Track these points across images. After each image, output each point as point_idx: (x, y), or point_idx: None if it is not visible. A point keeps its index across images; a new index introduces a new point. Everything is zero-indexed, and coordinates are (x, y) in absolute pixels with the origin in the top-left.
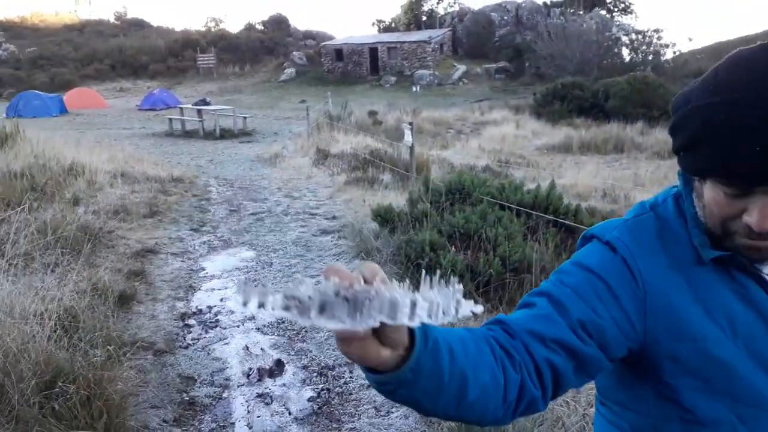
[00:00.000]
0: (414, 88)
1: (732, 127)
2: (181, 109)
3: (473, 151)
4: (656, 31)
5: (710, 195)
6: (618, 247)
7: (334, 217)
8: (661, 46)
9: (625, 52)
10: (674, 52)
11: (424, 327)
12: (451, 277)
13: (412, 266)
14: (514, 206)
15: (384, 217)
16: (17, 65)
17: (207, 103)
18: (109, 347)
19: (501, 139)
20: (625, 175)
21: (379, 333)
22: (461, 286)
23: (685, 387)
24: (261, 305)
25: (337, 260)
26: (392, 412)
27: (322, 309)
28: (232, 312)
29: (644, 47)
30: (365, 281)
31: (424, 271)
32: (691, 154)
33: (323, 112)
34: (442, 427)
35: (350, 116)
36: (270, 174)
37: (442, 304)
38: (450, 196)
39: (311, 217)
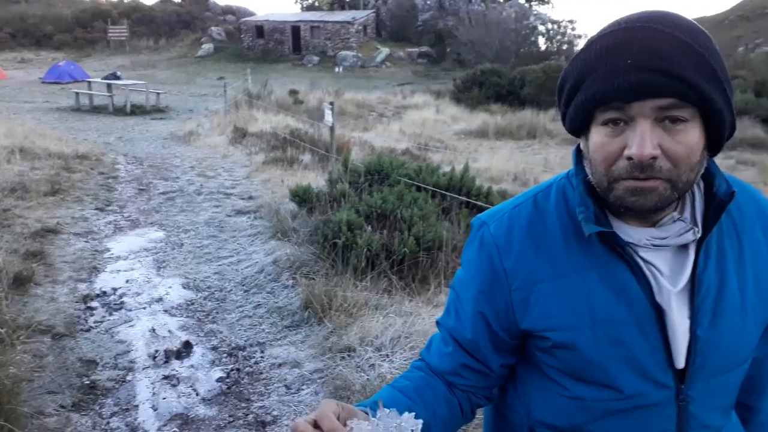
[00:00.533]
0: (337, 69)
1: (602, 55)
2: (89, 83)
3: (394, 134)
4: (570, 21)
5: (595, 142)
6: (486, 244)
7: (250, 197)
8: (574, 36)
9: (541, 41)
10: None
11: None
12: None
13: (329, 246)
14: (429, 188)
15: (302, 197)
16: None
17: (118, 78)
18: (0, 330)
19: (421, 123)
20: (537, 160)
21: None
22: (421, 421)
23: (553, 372)
24: None
25: (253, 241)
26: (302, 389)
27: None
28: (139, 294)
29: (559, 37)
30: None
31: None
32: (575, 100)
33: (242, 89)
34: (351, 401)
35: (270, 95)
36: (183, 152)
37: None
38: (369, 177)
39: (226, 197)
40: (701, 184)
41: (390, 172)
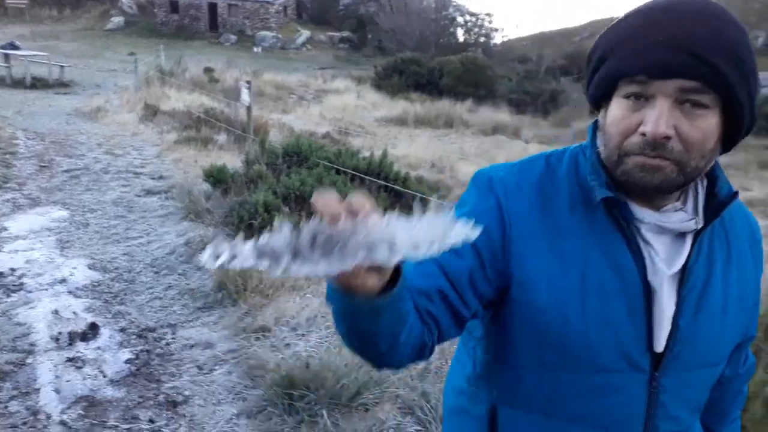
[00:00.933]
0: (256, 49)
1: (636, 29)
2: None
3: (314, 117)
4: (488, 14)
5: (613, 114)
6: (495, 187)
7: (161, 177)
8: (491, 29)
9: (460, 33)
10: (503, 37)
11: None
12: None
13: (244, 227)
14: (349, 171)
15: (217, 177)
16: None
17: (16, 48)
18: None
19: (342, 108)
20: (453, 148)
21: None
22: (454, 212)
23: (518, 331)
24: (233, 258)
25: (164, 222)
26: (215, 370)
27: (295, 256)
28: (40, 274)
29: (477, 29)
30: (352, 214)
31: (417, 203)
32: (601, 70)
33: (154, 66)
34: (265, 380)
35: (184, 72)
36: (90, 129)
37: (425, 237)
38: (287, 159)
39: (135, 177)
40: (704, 182)
41: (309, 154)
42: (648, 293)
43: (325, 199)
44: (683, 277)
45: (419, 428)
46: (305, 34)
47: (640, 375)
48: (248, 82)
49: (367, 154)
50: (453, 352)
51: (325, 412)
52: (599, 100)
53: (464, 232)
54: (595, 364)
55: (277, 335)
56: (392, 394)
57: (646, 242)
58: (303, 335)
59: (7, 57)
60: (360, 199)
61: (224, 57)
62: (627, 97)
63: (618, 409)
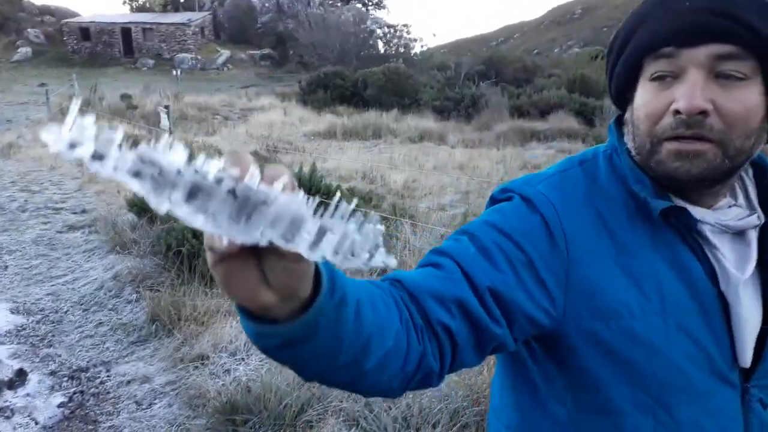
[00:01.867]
0: (175, 72)
1: (658, 3)
2: None
3: (241, 137)
4: (405, 25)
5: (640, 97)
6: (539, 205)
7: (83, 211)
8: (410, 40)
9: (380, 44)
10: (422, 46)
11: (332, 273)
12: (371, 214)
13: (173, 255)
14: None
15: (141, 206)
16: None
17: None
18: None
19: (269, 126)
20: (383, 158)
21: (267, 269)
22: (383, 227)
23: (604, 372)
24: (98, 158)
25: (89, 257)
26: (155, 404)
27: (192, 194)
28: None
29: (396, 40)
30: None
31: (337, 196)
32: (623, 54)
33: (68, 96)
34: (207, 409)
35: (101, 101)
36: (2, 166)
37: (355, 243)
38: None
39: (56, 213)
40: (750, 172)
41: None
42: (723, 304)
43: (240, 155)
44: (764, 276)
45: None
46: (225, 53)
47: (733, 392)
48: (166, 107)
49: (296, 170)
50: None
51: None
52: (624, 91)
53: (386, 257)
54: (690, 391)
55: (216, 362)
56: (336, 408)
57: (713, 247)
58: (242, 359)
59: None
60: (278, 169)
61: (142, 82)
62: (654, 79)
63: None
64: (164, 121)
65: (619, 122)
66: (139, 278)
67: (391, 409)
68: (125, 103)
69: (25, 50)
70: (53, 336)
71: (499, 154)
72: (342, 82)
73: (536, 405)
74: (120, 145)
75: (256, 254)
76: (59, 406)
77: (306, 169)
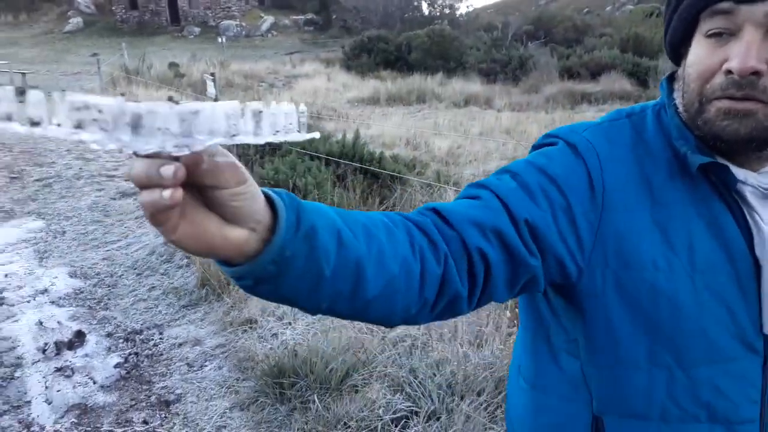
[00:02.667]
0: (220, 40)
1: None
2: None
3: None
4: None
5: (694, 55)
6: (583, 151)
7: None
8: (455, 0)
9: (424, 6)
10: (467, 7)
11: (297, 207)
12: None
13: None
14: (322, 156)
15: None
16: None
17: None
18: None
19: (313, 93)
20: (427, 123)
21: (219, 204)
22: (304, 106)
23: (623, 324)
24: (35, 123)
25: (141, 223)
26: (205, 366)
27: (137, 125)
28: (21, 287)
29: (440, 1)
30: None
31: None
32: (680, 7)
33: (118, 66)
34: (255, 371)
35: (150, 69)
36: None
37: (285, 119)
38: (259, 149)
39: (109, 180)
40: None
41: (281, 142)
42: (757, 268)
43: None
44: None
45: (409, 404)
46: (269, 20)
47: (756, 359)
48: (212, 74)
49: (340, 136)
50: (441, 324)
51: (315, 397)
52: (678, 47)
53: (310, 134)
54: (711, 353)
55: (264, 326)
56: (381, 374)
57: (752, 209)
58: (289, 323)
59: None
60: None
61: (189, 50)
62: (709, 36)
63: (737, 401)
64: (211, 89)
65: (672, 78)
66: None
67: (435, 375)
68: (173, 72)
69: (76, 20)
70: (109, 299)
71: (548, 117)
72: (386, 46)
73: (550, 358)
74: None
75: (200, 203)
76: (116, 366)
77: (350, 136)
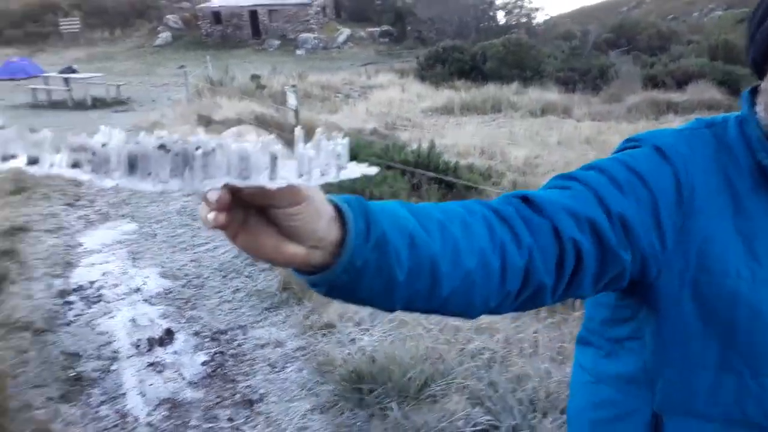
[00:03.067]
0: (298, 52)
1: None
2: (46, 78)
3: (361, 114)
4: None
5: None
6: (671, 156)
7: None
8: (532, 9)
9: (500, 15)
10: (545, 15)
11: (366, 214)
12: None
13: None
14: (398, 165)
15: None
16: None
17: (74, 71)
18: None
19: (388, 103)
20: (502, 133)
21: (276, 221)
22: (347, 140)
23: (697, 326)
24: (33, 162)
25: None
26: (287, 367)
27: (133, 165)
28: (116, 285)
29: (517, 10)
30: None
31: (297, 130)
32: (765, 22)
33: (203, 77)
34: (335, 376)
35: (233, 81)
36: None
37: (319, 161)
38: None
39: None
40: None
41: (357, 151)
42: None
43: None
44: None
45: (489, 418)
46: (345, 32)
47: None
48: (293, 86)
49: (415, 146)
50: (521, 339)
51: (395, 405)
52: (761, 62)
53: (359, 167)
54: None
55: (342, 331)
56: (459, 385)
57: None
58: (367, 330)
59: (67, 81)
60: (239, 128)
61: (269, 62)
62: None
63: None
64: (291, 100)
65: (755, 91)
66: None
67: (516, 390)
68: (254, 83)
69: (165, 35)
70: (196, 299)
71: (631, 127)
72: (460, 56)
73: (614, 352)
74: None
75: (263, 215)
76: (202, 364)
77: (425, 146)
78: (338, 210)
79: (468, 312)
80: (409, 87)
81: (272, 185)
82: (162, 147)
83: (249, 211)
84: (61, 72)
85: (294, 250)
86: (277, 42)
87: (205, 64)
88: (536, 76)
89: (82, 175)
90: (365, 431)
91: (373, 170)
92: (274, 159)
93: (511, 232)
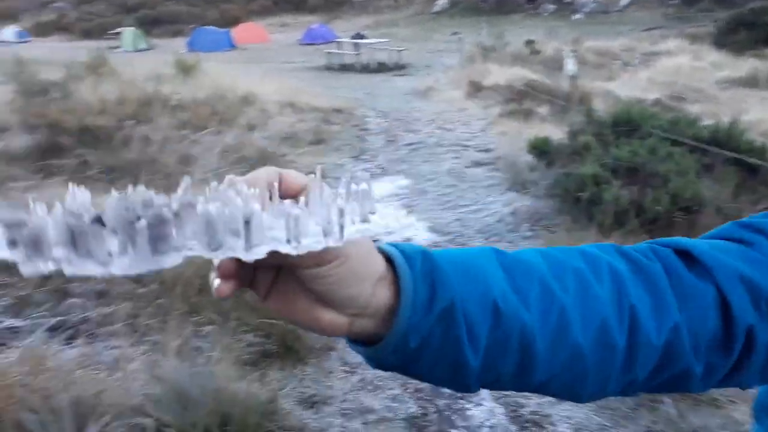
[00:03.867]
0: (575, 17)
1: None
2: (338, 42)
3: (641, 83)
4: None
5: None
6: None
7: (487, 150)
8: None
9: None
10: None
11: (432, 274)
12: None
13: (571, 200)
14: (688, 141)
15: (541, 149)
16: (192, 2)
17: (363, 37)
18: None
19: (675, 72)
20: None
21: (306, 283)
22: (367, 186)
23: None
24: None
25: (490, 192)
26: None
27: (80, 243)
28: (391, 233)
29: None
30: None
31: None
32: None
33: (477, 43)
34: None
35: (505, 47)
36: (423, 106)
37: (300, 222)
38: (615, 129)
39: (464, 149)
40: None
41: (641, 123)
42: None
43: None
44: None
45: None
46: None
47: None
48: (573, 51)
49: (709, 122)
50: None
51: (669, 400)
52: None
53: (401, 217)
54: None
55: None
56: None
57: None
58: None
59: (356, 46)
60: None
61: (541, 28)
62: None
63: None
64: (570, 66)
65: None
66: (536, 217)
67: None
68: (528, 49)
69: (442, 2)
70: None
71: None
72: None
73: None
74: None
75: (294, 276)
76: None
77: (725, 120)
78: (391, 263)
79: (575, 396)
80: (702, 54)
81: (248, 258)
82: (98, 221)
83: (281, 269)
84: (352, 38)
85: (330, 318)
86: (552, 6)
87: (479, 30)
88: None
89: (15, 257)
90: (631, 419)
91: (374, 222)
92: (247, 225)
93: (653, 299)
